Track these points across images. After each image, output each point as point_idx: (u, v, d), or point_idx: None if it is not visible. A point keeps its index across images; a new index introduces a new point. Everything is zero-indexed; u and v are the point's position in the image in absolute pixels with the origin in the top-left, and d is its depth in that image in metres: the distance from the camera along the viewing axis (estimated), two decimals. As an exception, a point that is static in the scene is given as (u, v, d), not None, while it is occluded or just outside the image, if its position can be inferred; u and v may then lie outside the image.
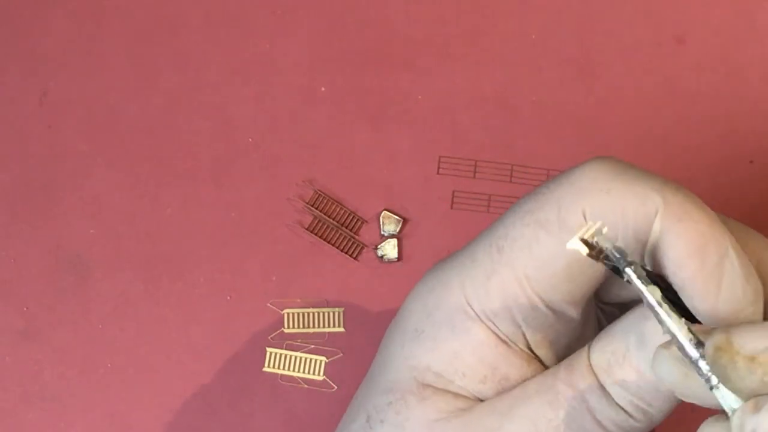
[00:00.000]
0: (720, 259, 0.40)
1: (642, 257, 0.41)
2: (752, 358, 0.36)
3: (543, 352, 0.44)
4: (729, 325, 0.38)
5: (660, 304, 0.37)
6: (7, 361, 0.59)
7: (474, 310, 0.43)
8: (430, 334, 0.44)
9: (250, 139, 0.60)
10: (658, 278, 0.41)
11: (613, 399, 0.42)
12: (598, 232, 0.39)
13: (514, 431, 0.42)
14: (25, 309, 0.59)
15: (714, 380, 0.36)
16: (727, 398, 0.36)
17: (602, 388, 0.42)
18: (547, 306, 0.43)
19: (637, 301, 0.43)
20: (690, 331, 0.37)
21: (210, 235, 0.60)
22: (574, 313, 0.43)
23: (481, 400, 0.44)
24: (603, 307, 0.47)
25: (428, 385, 0.44)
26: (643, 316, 0.41)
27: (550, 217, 0.42)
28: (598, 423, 0.42)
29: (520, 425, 0.42)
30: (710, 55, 0.60)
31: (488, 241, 0.44)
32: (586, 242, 0.38)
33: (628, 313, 0.43)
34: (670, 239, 0.40)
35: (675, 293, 0.41)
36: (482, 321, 0.43)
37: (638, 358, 0.41)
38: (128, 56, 0.61)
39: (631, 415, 0.42)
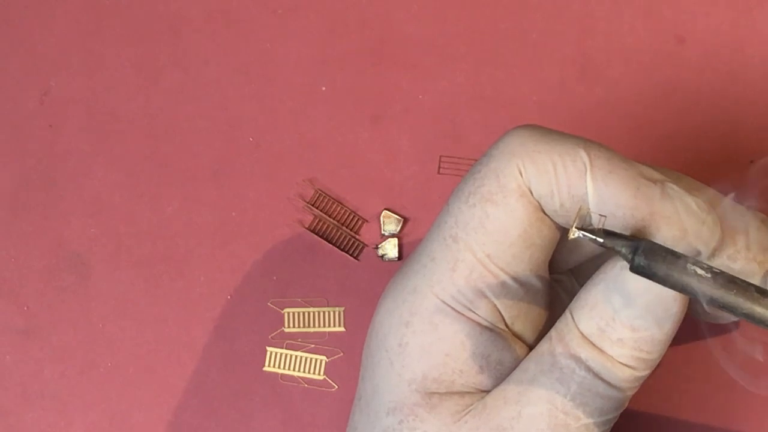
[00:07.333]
0: (661, 188, 0.42)
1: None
2: None
3: (519, 328, 0.45)
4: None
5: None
6: (7, 360, 0.59)
7: (450, 306, 0.44)
8: (415, 344, 0.44)
9: (251, 139, 0.60)
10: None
11: (616, 360, 0.43)
12: (584, 214, 0.41)
13: (534, 414, 0.43)
14: (25, 308, 0.59)
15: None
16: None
17: (602, 353, 0.43)
18: (514, 279, 0.43)
19: (589, 264, 0.46)
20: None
21: (210, 234, 0.60)
22: (538, 282, 0.44)
23: (484, 391, 0.44)
24: (556, 278, 0.48)
25: (432, 393, 0.44)
26: (619, 269, 0.43)
27: (492, 188, 0.43)
28: (609, 384, 0.43)
29: (537, 408, 0.43)
30: (710, 55, 0.60)
31: (441, 235, 0.44)
32: (582, 229, 0.41)
33: (595, 278, 0.44)
34: (608, 192, 0.42)
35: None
36: (461, 314, 0.44)
37: (628, 316, 0.43)
38: (129, 56, 0.61)
39: (635, 368, 0.43)
